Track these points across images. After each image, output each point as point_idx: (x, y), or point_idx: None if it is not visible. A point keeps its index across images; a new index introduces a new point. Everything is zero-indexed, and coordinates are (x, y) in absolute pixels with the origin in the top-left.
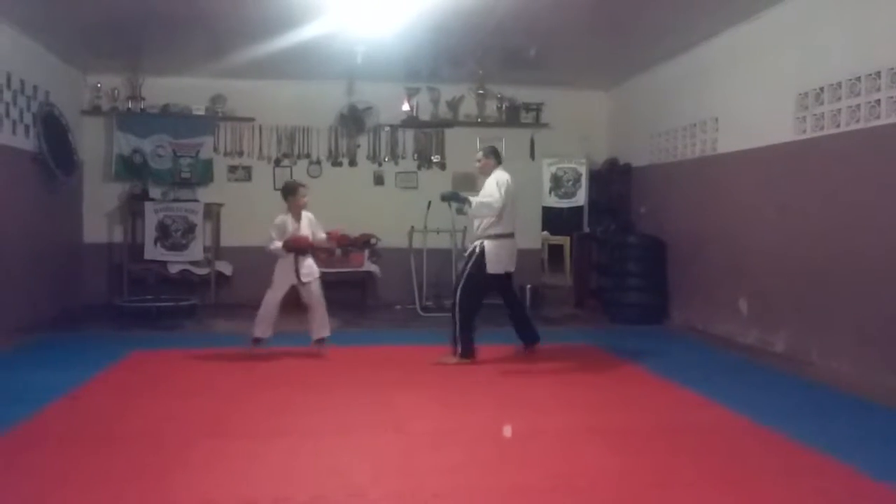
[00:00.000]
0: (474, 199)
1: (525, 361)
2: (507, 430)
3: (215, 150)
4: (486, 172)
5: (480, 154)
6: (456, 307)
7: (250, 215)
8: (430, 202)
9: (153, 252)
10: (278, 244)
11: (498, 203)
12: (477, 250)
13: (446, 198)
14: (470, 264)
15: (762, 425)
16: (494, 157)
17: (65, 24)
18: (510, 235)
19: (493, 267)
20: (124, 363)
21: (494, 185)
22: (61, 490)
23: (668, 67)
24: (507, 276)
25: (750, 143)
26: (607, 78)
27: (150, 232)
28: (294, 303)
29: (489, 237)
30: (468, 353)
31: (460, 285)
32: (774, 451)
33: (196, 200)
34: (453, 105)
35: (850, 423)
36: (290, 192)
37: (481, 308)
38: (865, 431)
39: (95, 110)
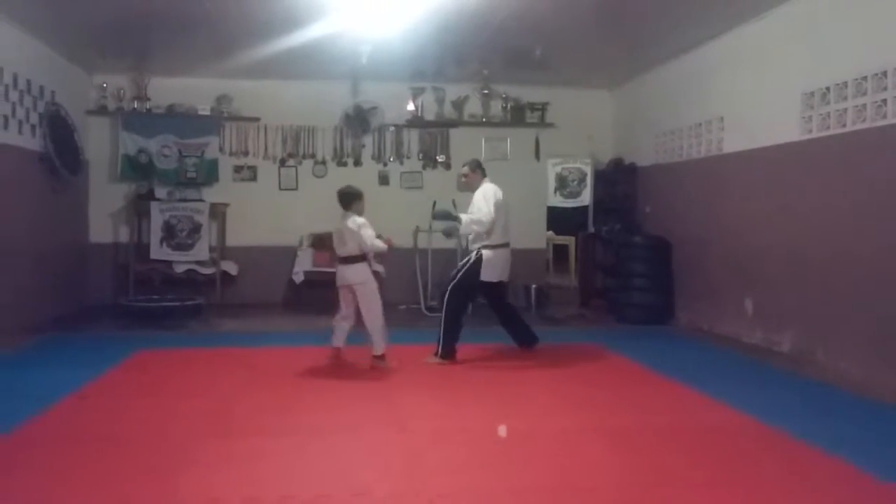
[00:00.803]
0: (464, 217)
1: (529, 361)
2: (503, 431)
3: (221, 149)
4: (473, 186)
5: (466, 168)
6: (445, 308)
7: (256, 215)
8: (434, 202)
9: (159, 252)
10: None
11: (487, 218)
12: (474, 257)
13: (438, 216)
14: (465, 269)
15: (768, 425)
16: (480, 170)
17: (71, 24)
18: (505, 245)
19: (486, 275)
20: (130, 363)
21: (482, 200)
22: (67, 488)
23: (673, 67)
24: (501, 283)
25: (755, 143)
26: (612, 77)
27: (155, 232)
28: (293, 302)
29: (485, 247)
30: (449, 353)
31: (452, 287)
32: (780, 452)
33: (201, 200)
34: (458, 105)
35: (856, 423)
36: (359, 198)
37: (467, 311)
38: (872, 432)
39: (101, 110)
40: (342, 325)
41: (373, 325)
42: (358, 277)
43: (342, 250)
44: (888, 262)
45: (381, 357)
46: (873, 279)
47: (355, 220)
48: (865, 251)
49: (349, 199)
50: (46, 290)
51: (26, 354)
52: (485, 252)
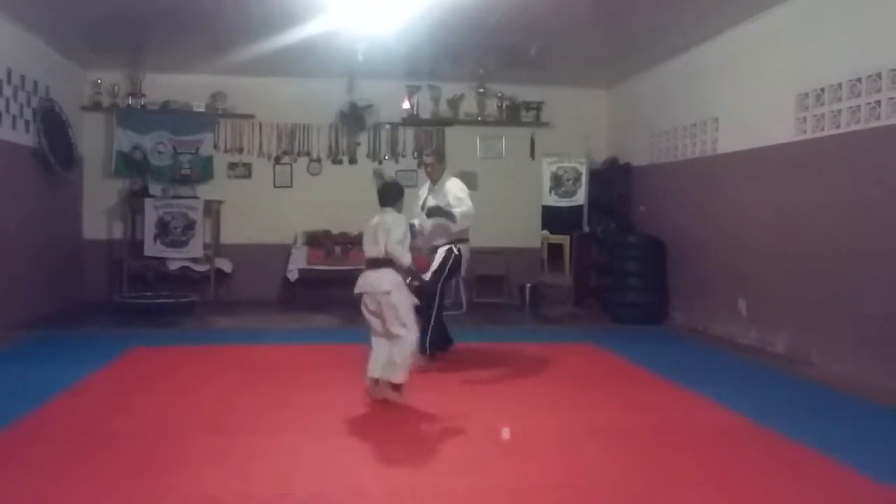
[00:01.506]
0: (457, 212)
1: (524, 360)
2: (506, 432)
3: (215, 146)
4: (435, 177)
5: (432, 158)
6: (436, 307)
7: (250, 212)
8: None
9: (153, 249)
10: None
11: (473, 211)
12: (455, 253)
13: (433, 213)
14: (449, 266)
15: (762, 425)
16: (444, 160)
17: (66, 19)
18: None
19: (464, 268)
20: (124, 359)
21: (461, 193)
22: (62, 485)
23: (668, 67)
24: None
25: (750, 144)
26: (608, 77)
27: (149, 228)
28: (287, 300)
29: (460, 241)
30: (435, 353)
31: (439, 287)
32: (774, 452)
33: (196, 197)
34: (454, 103)
35: (850, 423)
36: (402, 194)
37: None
38: (866, 432)
39: (96, 106)
40: (381, 342)
41: (405, 345)
42: (383, 285)
43: (373, 250)
44: (882, 263)
45: (399, 388)
46: (867, 280)
47: (394, 215)
48: (860, 252)
49: (393, 195)
50: (40, 287)
51: (20, 351)
52: (462, 246)
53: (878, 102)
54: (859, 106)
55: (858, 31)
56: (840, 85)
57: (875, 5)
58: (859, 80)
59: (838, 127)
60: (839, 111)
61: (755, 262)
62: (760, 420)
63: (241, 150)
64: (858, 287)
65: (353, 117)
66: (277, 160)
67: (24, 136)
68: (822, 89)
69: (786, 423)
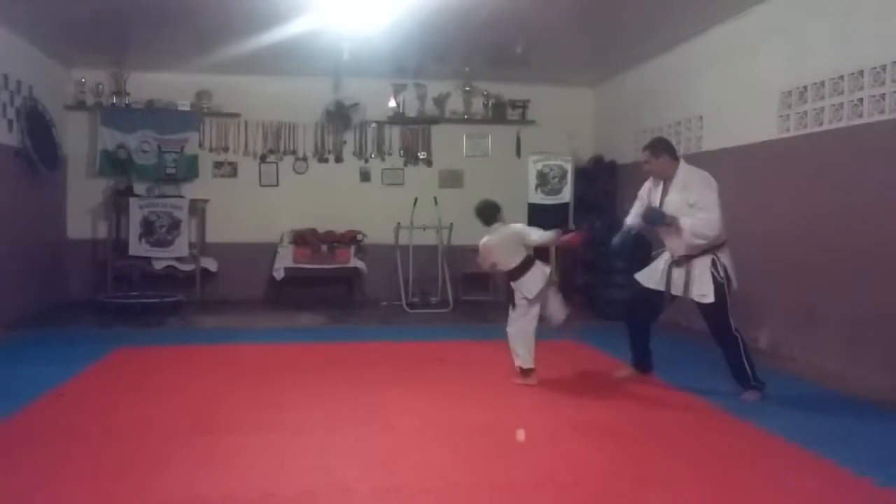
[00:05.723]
0: (687, 224)
1: (510, 358)
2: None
3: (200, 145)
4: (667, 172)
5: (649, 155)
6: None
7: (236, 211)
8: (416, 198)
9: (138, 248)
10: None
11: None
12: (721, 266)
13: (656, 219)
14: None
15: (745, 420)
16: (667, 150)
17: (49, 18)
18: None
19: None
20: (109, 360)
21: (709, 190)
22: (47, 487)
23: (653, 65)
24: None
25: (734, 141)
26: (593, 75)
27: (134, 228)
28: (273, 299)
29: (717, 248)
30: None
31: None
32: (758, 447)
33: (181, 196)
34: (440, 101)
35: (832, 418)
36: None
37: None
38: (847, 427)
39: (80, 105)
40: None
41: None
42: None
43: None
44: (864, 259)
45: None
46: (850, 276)
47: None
48: (842, 248)
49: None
50: (24, 286)
51: (4, 351)
52: (721, 255)
53: (860, 100)
54: (842, 104)
55: (841, 29)
56: (823, 83)
57: (857, 4)
58: (842, 77)
59: (821, 124)
60: (822, 109)
61: (737, 258)
62: (743, 415)
63: (226, 149)
64: (842, 283)
65: (339, 116)
66: (263, 159)
67: (8, 136)
68: (805, 87)
69: (768, 419)
